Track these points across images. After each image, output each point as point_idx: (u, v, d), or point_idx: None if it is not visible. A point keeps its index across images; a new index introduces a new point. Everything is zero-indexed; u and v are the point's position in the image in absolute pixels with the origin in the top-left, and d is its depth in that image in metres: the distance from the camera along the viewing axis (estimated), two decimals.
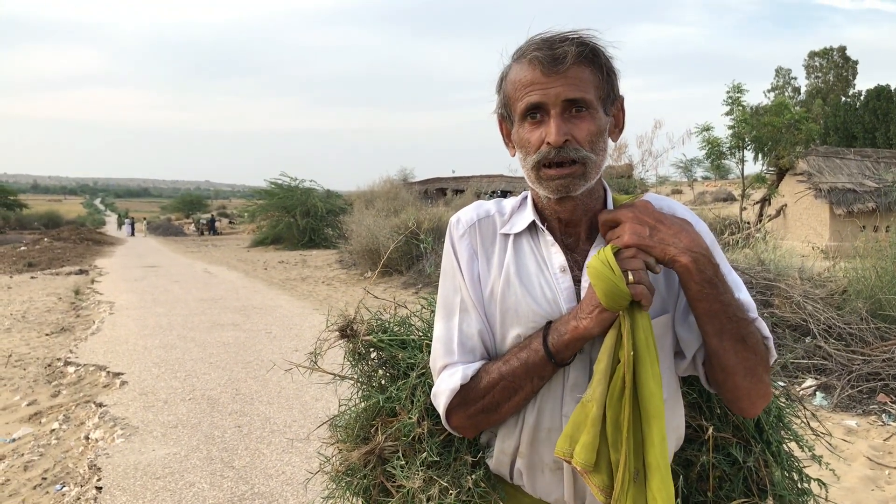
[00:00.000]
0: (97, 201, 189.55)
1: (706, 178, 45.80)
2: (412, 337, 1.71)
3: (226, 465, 5.43)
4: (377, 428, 1.59)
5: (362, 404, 1.67)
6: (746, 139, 19.30)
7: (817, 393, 7.02)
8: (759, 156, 20.92)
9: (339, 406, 1.74)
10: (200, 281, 19.36)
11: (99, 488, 5.03)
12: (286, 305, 14.09)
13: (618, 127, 1.56)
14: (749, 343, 1.44)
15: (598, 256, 1.40)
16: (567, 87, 1.43)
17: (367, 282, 13.73)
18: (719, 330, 1.43)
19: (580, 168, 1.44)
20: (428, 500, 1.47)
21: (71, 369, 8.94)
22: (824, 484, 1.71)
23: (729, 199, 35.48)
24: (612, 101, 1.52)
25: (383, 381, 1.69)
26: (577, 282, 1.51)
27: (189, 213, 71.69)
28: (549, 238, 1.54)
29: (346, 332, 1.68)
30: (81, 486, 5.19)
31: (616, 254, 1.40)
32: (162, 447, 5.87)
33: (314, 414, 6.49)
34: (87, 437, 6.36)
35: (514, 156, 1.54)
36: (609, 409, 1.38)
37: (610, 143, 1.53)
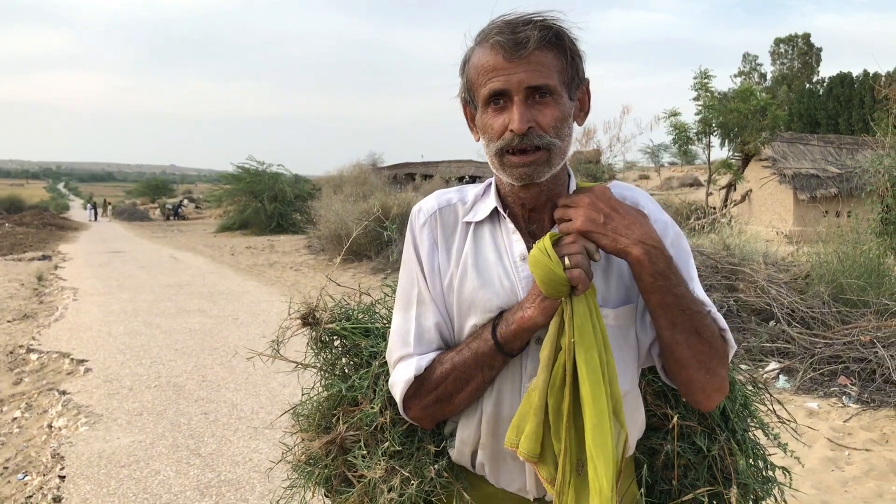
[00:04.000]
0: (60, 186, 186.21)
1: (673, 164, 46.14)
2: (376, 325, 1.68)
3: (192, 452, 5.38)
4: (339, 417, 1.57)
5: (325, 393, 1.65)
6: (713, 125, 19.46)
7: (780, 376, 7.12)
8: (726, 141, 21.10)
9: (302, 395, 1.72)
10: (166, 266, 19.13)
11: (62, 477, 4.96)
12: (253, 291, 13.98)
13: (583, 111, 1.53)
14: (703, 336, 1.43)
15: (538, 244, 1.40)
16: (530, 74, 1.40)
17: (336, 267, 13.67)
18: (672, 323, 1.42)
19: (544, 154, 1.42)
20: (389, 490, 1.45)
21: (34, 356, 8.80)
22: (788, 472, 1.72)
23: (695, 184, 35.82)
24: (576, 85, 1.49)
25: (346, 370, 1.67)
26: None
27: (155, 197, 70.69)
28: (511, 226, 1.52)
29: (308, 319, 1.65)
30: (44, 476, 5.11)
31: (557, 240, 1.40)
32: (127, 435, 5.80)
33: (282, 400, 6.45)
34: (50, 426, 6.27)
35: (478, 140, 1.51)
36: (551, 398, 1.38)
37: (576, 127, 1.50)
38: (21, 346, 9.38)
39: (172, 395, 6.90)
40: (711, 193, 21.37)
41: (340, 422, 1.56)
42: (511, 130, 1.40)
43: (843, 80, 43.55)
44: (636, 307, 1.50)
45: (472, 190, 1.61)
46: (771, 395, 1.77)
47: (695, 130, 19.76)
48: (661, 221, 1.52)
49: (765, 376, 7.19)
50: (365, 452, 1.51)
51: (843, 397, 6.52)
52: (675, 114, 19.66)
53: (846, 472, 5.13)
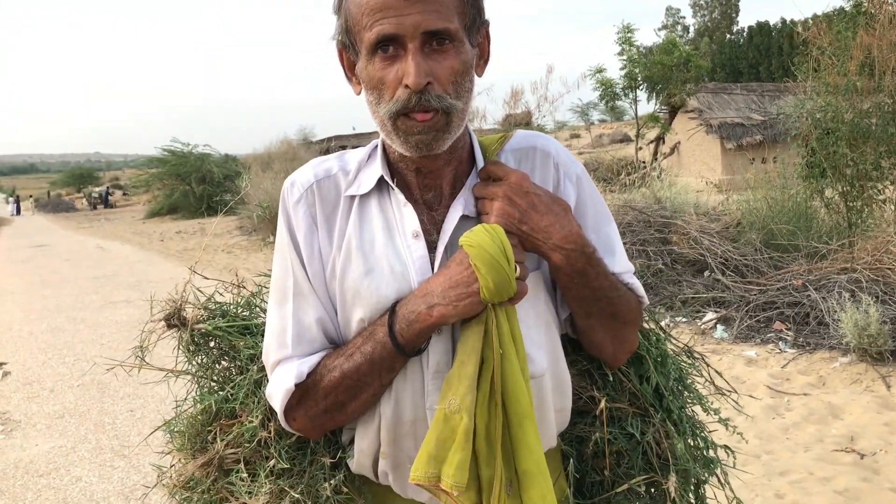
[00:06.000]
0: None
1: (603, 121, 46.41)
2: (256, 321, 1.46)
3: (116, 454, 5.10)
4: (215, 433, 1.36)
5: (199, 405, 1.43)
6: (638, 79, 19.54)
7: (718, 326, 7.13)
8: (652, 95, 21.23)
9: (176, 407, 1.49)
10: (92, 258, 18.44)
11: None
12: (184, 277, 13.54)
13: (483, 58, 1.31)
14: (619, 316, 1.33)
15: (490, 234, 1.18)
16: (427, 15, 1.16)
17: (270, 248, 13.28)
18: (588, 312, 1.31)
19: (443, 118, 1.20)
20: None
21: None
22: (731, 451, 1.57)
23: (625, 140, 36.05)
24: (477, 28, 1.26)
25: (226, 375, 1.44)
26: (432, 248, 1.28)
27: (80, 186, 68.50)
28: (401, 197, 1.29)
29: (173, 321, 1.43)
30: None
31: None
32: (46, 441, 5.48)
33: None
34: None
35: (358, 94, 1.27)
36: (478, 419, 1.18)
37: (476, 79, 1.28)
38: None
39: (97, 393, 6.56)
40: (641, 148, 21.51)
41: (218, 438, 1.34)
42: (406, 86, 1.17)
43: (762, 29, 44.33)
44: (542, 274, 1.33)
45: (356, 156, 1.36)
46: (709, 365, 1.61)
47: (621, 86, 19.82)
48: (575, 174, 1.37)
49: (703, 327, 7.19)
50: (245, 475, 1.29)
51: (780, 343, 6.55)
52: (600, 70, 19.68)
53: (786, 419, 5.13)
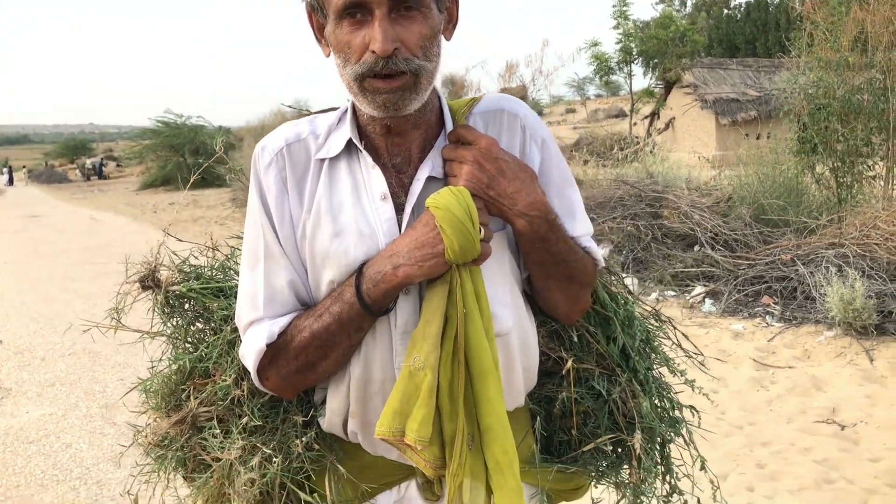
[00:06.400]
0: None
1: (599, 96, 46.24)
2: (230, 283, 1.48)
3: (106, 421, 5.14)
4: (189, 392, 1.38)
5: (174, 365, 1.45)
6: (634, 53, 19.46)
7: (706, 300, 7.18)
8: (648, 70, 21.15)
9: (151, 367, 1.52)
10: (85, 229, 18.40)
11: None
12: (177, 248, 13.54)
13: (451, 23, 1.31)
14: (575, 278, 1.37)
15: (456, 196, 1.20)
16: None
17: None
18: (546, 275, 1.35)
19: (411, 79, 1.20)
20: (247, 472, 1.27)
21: None
22: (696, 411, 1.60)
23: (621, 115, 35.89)
24: None
25: (200, 337, 1.47)
26: (400, 210, 1.30)
27: (74, 158, 68.06)
28: (369, 160, 1.30)
29: (148, 282, 1.45)
30: None
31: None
32: (37, 408, 5.52)
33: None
34: None
35: (328, 56, 1.28)
36: (442, 377, 1.21)
37: (444, 42, 1.28)
38: None
39: (88, 362, 6.59)
40: (636, 123, 21.48)
41: (191, 397, 1.36)
42: (373, 52, 1.18)
43: (760, 4, 44.04)
44: (507, 234, 1.35)
45: (326, 120, 1.37)
46: (675, 328, 1.63)
47: (616, 60, 19.74)
48: (541, 137, 1.38)
49: (691, 301, 7.24)
50: (218, 431, 1.32)
51: (767, 317, 6.61)
52: (595, 44, 19.59)
53: (770, 391, 5.20)
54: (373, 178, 1.30)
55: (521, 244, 1.32)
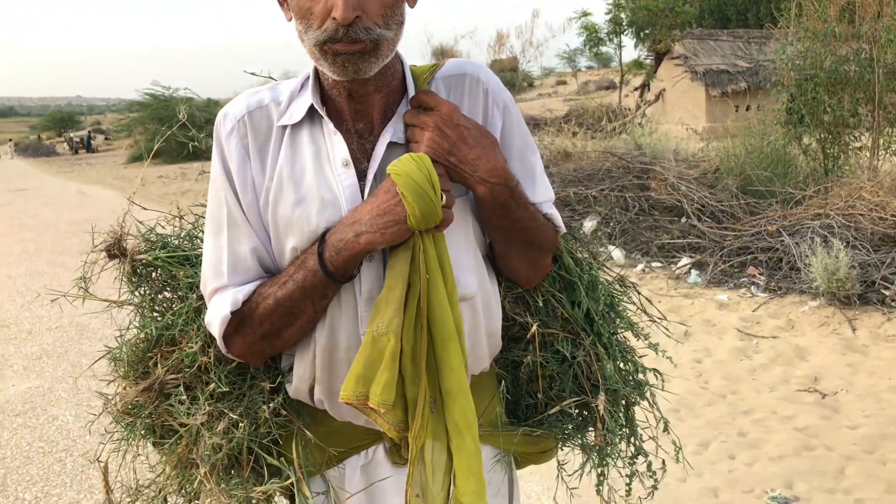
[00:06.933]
0: None
1: (590, 68, 46.07)
2: (196, 252, 1.48)
3: (94, 393, 5.14)
4: (156, 360, 1.39)
5: (141, 334, 1.45)
6: (623, 24, 19.35)
7: (692, 271, 7.21)
8: (638, 41, 21.04)
9: (119, 336, 1.52)
10: (73, 202, 18.31)
11: None
12: (143, 218, 13.48)
13: None
14: (535, 244, 1.38)
15: (417, 163, 1.21)
16: None
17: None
18: (507, 241, 1.36)
19: (372, 45, 1.20)
20: (211, 437, 1.28)
21: None
22: (660, 374, 1.62)
23: (611, 87, 35.77)
24: None
25: (168, 305, 1.47)
26: (363, 176, 1.30)
27: (61, 130, 67.54)
28: (331, 126, 1.30)
29: (114, 251, 1.44)
30: None
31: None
32: (23, 381, 5.53)
33: None
34: None
35: (290, 20, 1.27)
36: (405, 341, 1.23)
37: (408, 9, 1.28)
38: None
39: (75, 335, 6.60)
40: (626, 95, 21.41)
41: (159, 365, 1.37)
42: (334, 18, 1.17)
43: None
44: (470, 200, 1.35)
45: (288, 86, 1.37)
46: (639, 294, 1.65)
47: (606, 31, 19.62)
48: (503, 101, 1.38)
49: (677, 272, 7.27)
50: (184, 397, 1.33)
51: (752, 287, 6.65)
52: (585, 14, 19.47)
53: (754, 361, 5.25)
54: (335, 144, 1.30)
55: (481, 210, 1.33)
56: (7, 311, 7.65)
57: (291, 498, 1.40)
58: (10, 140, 60.91)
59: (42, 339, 6.55)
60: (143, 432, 1.44)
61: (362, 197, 1.28)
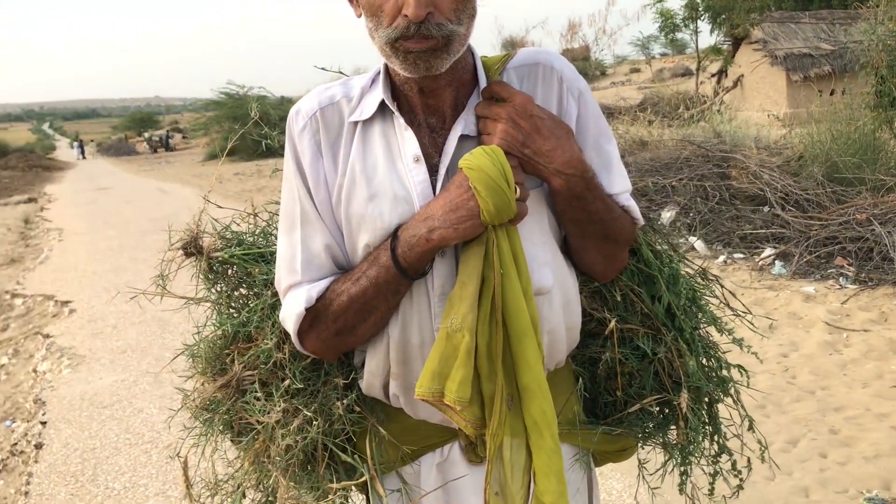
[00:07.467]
0: (45, 126, 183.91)
1: (664, 55, 45.15)
2: (271, 249, 1.48)
3: (175, 388, 5.29)
4: (233, 356, 1.39)
5: (218, 331, 1.46)
6: (700, 9, 18.86)
7: (776, 262, 6.98)
8: (715, 26, 20.48)
9: (196, 333, 1.54)
10: (153, 199, 18.89)
11: (43, 423, 4.89)
12: (218, 215, 13.79)
13: None
14: (612, 237, 1.33)
15: (489, 156, 1.18)
16: None
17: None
18: (582, 233, 1.32)
19: (444, 41, 1.18)
20: (285, 435, 1.28)
21: (18, 301, 8.69)
22: (745, 370, 1.55)
23: (687, 73, 34.96)
24: None
25: (242, 302, 1.48)
26: (435, 171, 1.27)
27: (140, 130, 69.85)
28: (402, 121, 1.28)
29: (191, 249, 1.46)
30: (28, 422, 5.04)
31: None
32: (110, 374, 5.72)
33: None
34: (35, 370, 6.19)
35: (359, 17, 1.25)
36: (480, 337, 1.20)
37: (478, 2, 1.25)
38: (6, 292, 9.25)
39: (157, 329, 6.79)
40: (703, 82, 20.89)
41: (235, 361, 1.38)
42: (405, 16, 1.15)
43: None
44: (544, 191, 1.31)
45: (359, 82, 1.35)
46: (722, 287, 1.58)
47: (681, 17, 19.17)
48: (578, 90, 1.34)
49: (760, 263, 7.05)
50: (261, 394, 1.33)
51: (841, 279, 6.39)
52: (660, 0, 19.05)
53: (845, 355, 5.04)
54: (406, 139, 1.28)
55: (556, 203, 1.29)
56: (93, 307, 7.93)
57: (367, 495, 1.39)
58: (92, 140, 63.20)
59: (126, 334, 6.77)
60: (220, 428, 1.46)
61: (434, 192, 1.26)
